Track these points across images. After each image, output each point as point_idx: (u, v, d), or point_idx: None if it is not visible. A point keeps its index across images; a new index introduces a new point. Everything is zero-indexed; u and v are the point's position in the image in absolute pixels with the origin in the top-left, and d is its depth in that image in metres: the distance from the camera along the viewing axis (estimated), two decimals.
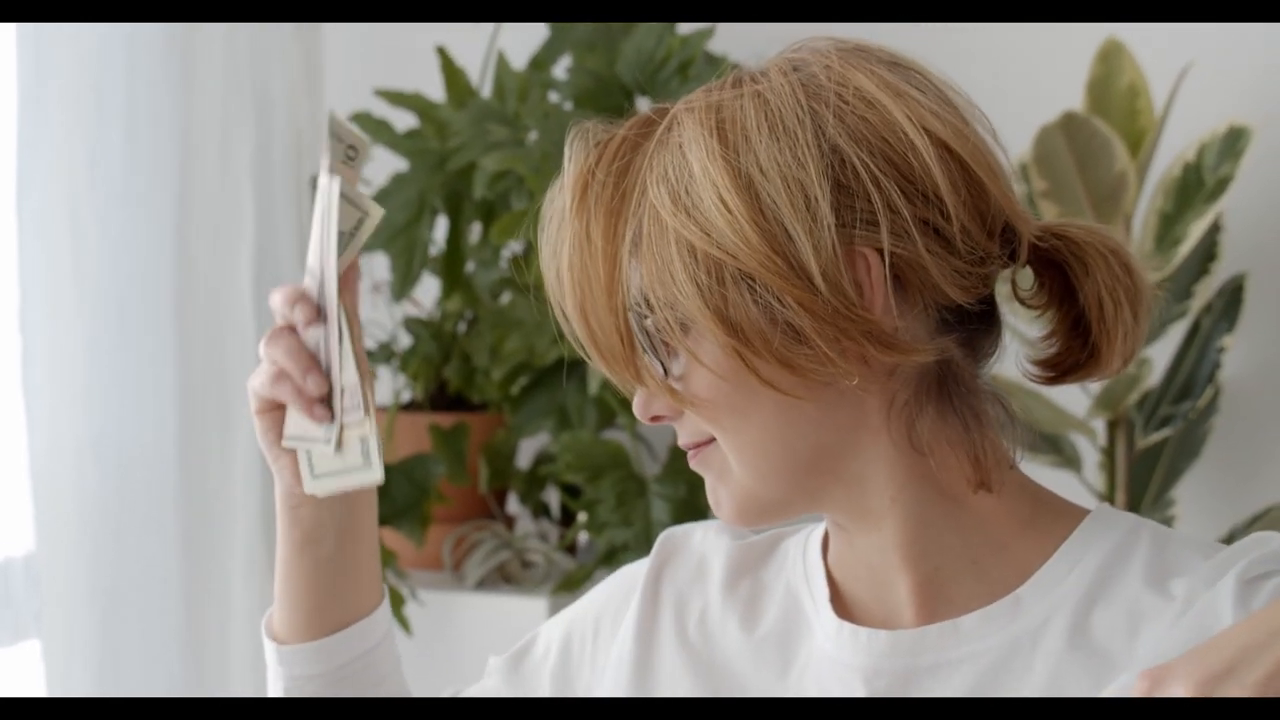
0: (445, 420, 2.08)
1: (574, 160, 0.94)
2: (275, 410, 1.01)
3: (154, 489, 1.90)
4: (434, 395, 2.14)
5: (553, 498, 2.19)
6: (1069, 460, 1.93)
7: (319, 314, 0.98)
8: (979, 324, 0.95)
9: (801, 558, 1.03)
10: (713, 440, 0.95)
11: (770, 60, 0.96)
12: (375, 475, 0.98)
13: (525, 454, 2.20)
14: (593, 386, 1.98)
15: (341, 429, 0.99)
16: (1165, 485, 1.94)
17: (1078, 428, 1.90)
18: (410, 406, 2.12)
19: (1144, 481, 1.94)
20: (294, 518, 1.04)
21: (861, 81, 0.92)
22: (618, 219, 0.92)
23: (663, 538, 1.07)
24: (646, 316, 0.92)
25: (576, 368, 2.04)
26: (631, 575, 1.08)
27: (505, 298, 2.09)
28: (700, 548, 1.06)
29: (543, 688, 1.08)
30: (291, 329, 0.98)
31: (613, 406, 2.02)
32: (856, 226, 0.90)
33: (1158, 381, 1.94)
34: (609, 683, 1.05)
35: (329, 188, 0.96)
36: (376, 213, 0.98)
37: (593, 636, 1.07)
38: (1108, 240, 0.95)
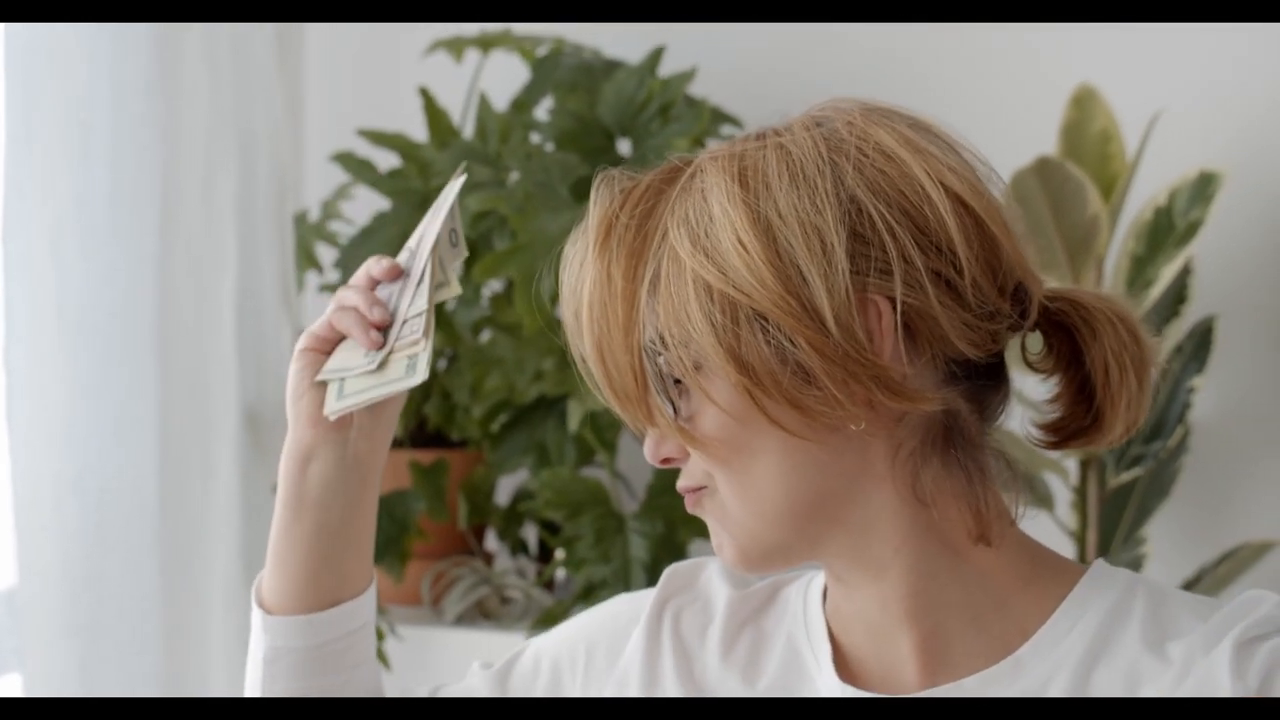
0: (425, 457, 2.09)
1: (599, 204, 0.96)
2: (319, 352, 1.03)
3: (134, 525, 1.91)
4: (414, 432, 2.15)
5: (531, 534, 2.20)
6: (1041, 499, 1.95)
7: (399, 275, 1.02)
8: (986, 379, 0.97)
9: (803, 608, 1.03)
10: (707, 486, 0.97)
11: (795, 117, 0.98)
12: (419, 379, 0.99)
13: (504, 491, 2.21)
14: (572, 424, 1.99)
15: (390, 353, 1.01)
16: (1136, 524, 1.96)
17: (1050, 467, 1.92)
18: (390, 443, 2.13)
19: (1115, 520, 1.96)
20: (302, 476, 1.04)
21: (882, 137, 0.94)
22: (638, 261, 0.94)
23: (669, 573, 1.08)
24: (660, 354, 0.94)
25: (556, 406, 2.06)
26: (633, 605, 1.08)
27: (485, 336, 2.11)
28: (706, 589, 1.07)
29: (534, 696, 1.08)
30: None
31: (592, 445, 2.03)
32: (870, 274, 0.92)
33: None
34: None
35: (452, 188, 1.02)
36: (464, 253, 1.06)
37: (585, 662, 1.07)
38: (1117, 307, 0.97)
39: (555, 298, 1.91)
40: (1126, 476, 1.95)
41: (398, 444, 2.14)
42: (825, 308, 0.91)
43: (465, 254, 1.06)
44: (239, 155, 2.03)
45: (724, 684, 1.02)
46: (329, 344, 1.04)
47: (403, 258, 1.04)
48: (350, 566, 1.07)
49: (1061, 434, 0.99)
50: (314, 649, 1.06)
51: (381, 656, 1.98)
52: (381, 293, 1.03)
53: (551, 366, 2.02)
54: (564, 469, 2.01)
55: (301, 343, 1.04)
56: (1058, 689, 0.94)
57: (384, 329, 1.01)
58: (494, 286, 2.10)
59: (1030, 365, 0.99)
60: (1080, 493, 1.95)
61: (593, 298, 0.95)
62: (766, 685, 1.01)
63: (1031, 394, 1.04)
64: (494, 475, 2.09)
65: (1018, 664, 0.96)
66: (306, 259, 2.15)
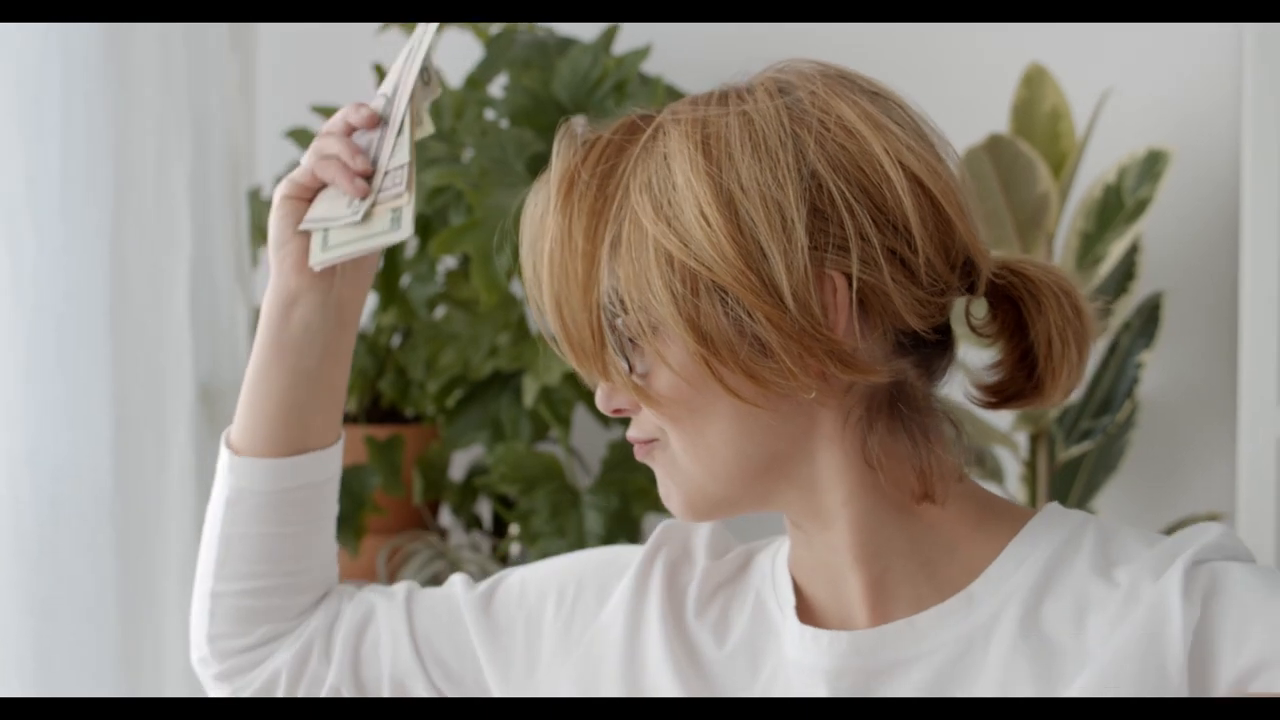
0: (380, 433, 2.10)
1: (560, 158, 0.97)
2: (300, 200, 1.05)
3: (89, 501, 1.91)
4: (369, 408, 2.15)
5: (485, 510, 2.21)
6: (991, 473, 1.97)
7: (378, 123, 1.03)
8: (934, 348, 0.99)
9: (771, 568, 1.06)
10: (659, 439, 0.99)
11: (756, 78, 0.99)
12: (404, 234, 1.01)
13: (458, 466, 2.22)
14: (527, 400, 2.00)
15: (373, 205, 1.02)
16: (1085, 497, 1.99)
17: (1000, 441, 1.94)
18: (345, 419, 2.14)
19: (1064, 494, 1.99)
20: (285, 319, 1.06)
21: (844, 111, 0.95)
22: (599, 220, 0.95)
23: (664, 526, 1.10)
24: (618, 316, 0.95)
25: (511, 381, 2.06)
26: (627, 553, 1.10)
27: (440, 312, 2.11)
28: (693, 553, 1.09)
29: (516, 634, 1.10)
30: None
31: (546, 420, 2.04)
32: (828, 250, 0.94)
33: (1078, 396, 1.99)
34: (586, 662, 1.06)
35: (427, 31, 1.02)
36: (437, 92, 1.05)
37: (574, 598, 1.09)
38: (1061, 281, 0.99)
39: (511, 273, 1.92)
40: (1076, 450, 1.97)
41: (352, 420, 2.14)
42: (784, 284, 0.92)
43: (438, 92, 1.06)
44: (192, 132, 2.02)
45: (698, 637, 1.04)
46: (310, 192, 1.06)
47: (378, 104, 1.04)
48: (321, 414, 1.09)
49: (1001, 396, 1.02)
50: (276, 494, 1.08)
51: None
52: (360, 140, 1.03)
53: (506, 342, 2.03)
54: (519, 444, 2.02)
55: (283, 189, 1.05)
56: (1009, 621, 0.97)
57: (367, 178, 1.02)
58: (449, 263, 2.10)
59: (974, 330, 1.01)
60: (1030, 466, 1.97)
61: (553, 254, 0.96)
62: (736, 639, 1.04)
63: (976, 358, 1.06)
64: (449, 450, 2.09)
65: (969, 599, 0.98)
66: (260, 235, 2.15)
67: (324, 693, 1.12)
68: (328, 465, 1.10)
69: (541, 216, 0.97)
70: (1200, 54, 2.04)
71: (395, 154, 1.02)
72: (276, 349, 1.07)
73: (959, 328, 1.02)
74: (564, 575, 1.11)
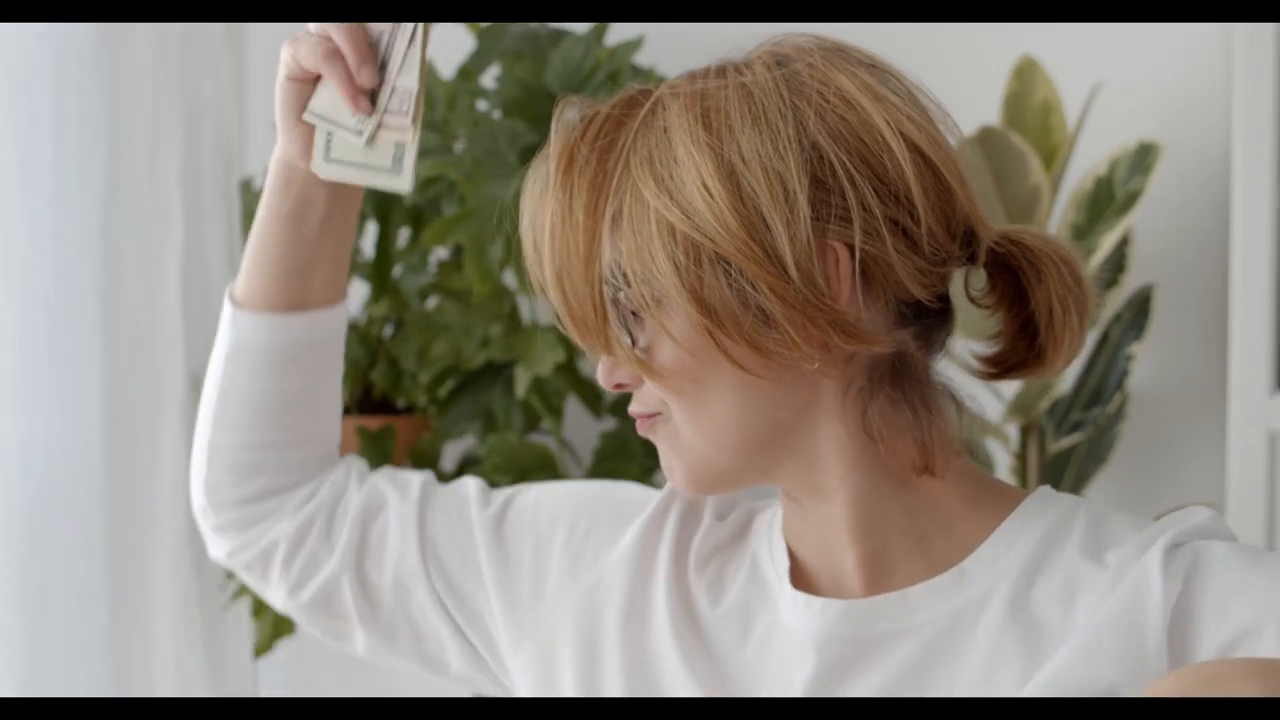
0: (372, 423, 2.10)
1: (559, 134, 0.98)
2: (306, 82, 1.05)
3: (80, 491, 1.91)
4: (360, 398, 2.16)
5: None
6: (982, 465, 1.98)
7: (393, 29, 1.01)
8: (934, 318, 1.00)
9: (768, 532, 1.06)
10: (661, 413, 0.99)
11: (753, 52, 0.99)
12: (404, 183, 1.01)
13: (449, 457, 2.22)
14: (519, 390, 2.01)
15: (379, 126, 1.01)
16: (1075, 489, 2.00)
17: (991, 433, 1.95)
18: None
19: (1054, 485, 1.99)
20: (286, 189, 1.08)
21: (843, 82, 0.96)
22: (599, 195, 0.96)
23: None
24: (621, 289, 0.96)
25: (503, 372, 2.07)
26: (639, 498, 1.10)
27: (432, 302, 2.11)
28: (700, 508, 1.09)
29: (523, 556, 1.09)
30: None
31: (538, 411, 2.05)
32: (830, 221, 0.94)
33: (1069, 388, 1.99)
34: (591, 596, 1.06)
35: None
36: None
37: (586, 532, 1.09)
38: (1060, 250, 1.00)
39: (504, 263, 1.93)
40: (1066, 442, 1.98)
41: (345, 410, 2.15)
42: (787, 255, 0.93)
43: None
44: (184, 122, 2.02)
45: (695, 592, 1.05)
46: (313, 76, 1.05)
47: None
48: (321, 274, 1.09)
49: (1002, 366, 1.02)
50: (274, 350, 1.09)
51: None
52: (372, 33, 1.02)
53: (499, 333, 2.03)
54: (511, 434, 2.03)
55: (286, 70, 1.05)
56: (999, 600, 0.98)
57: (373, 92, 1.02)
58: (441, 253, 2.11)
59: (973, 301, 1.02)
60: (1021, 458, 1.98)
61: (554, 229, 0.96)
62: (730, 600, 1.04)
63: (980, 328, 1.06)
64: (440, 441, 2.10)
65: (961, 575, 0.99)
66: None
67: (321, 579, 1.11)
68: (328, 325, 1.11)
69: (541, 193, 0.98)
70: (1191, 47, 2.05)
71: (405, 69, 1.00)
72: (276, 214, 1.08)
73: (958, 301, 1.02)
74: (579, 505, 1.11)
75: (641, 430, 1.01)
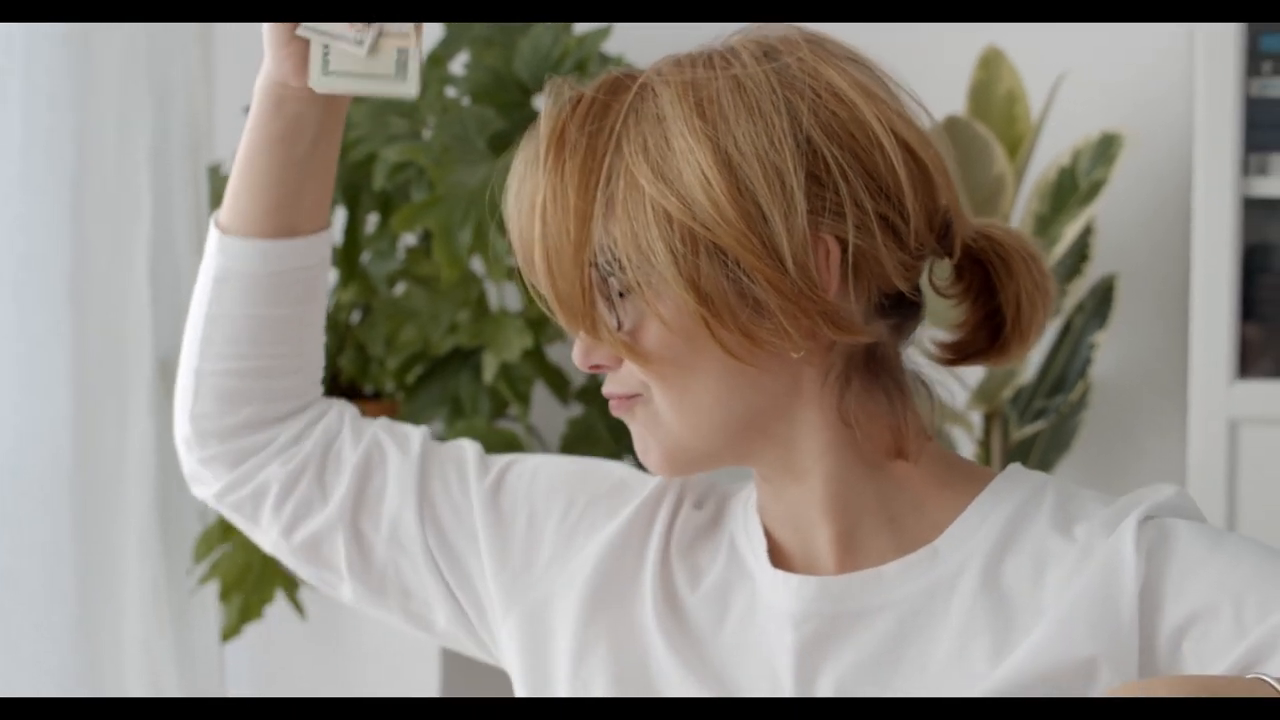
0: None
1: (547, 115, 0.98)
2: None
3: (48, 474, 1.91)
4: (328, 384, 2.16)
5: None
6: (948, 447, 1.99)
7: None
8: (909, 309, 1.01)
9: (744, 513, 1.07)
10: (640, 395, 1.00)
11: (735, 40, 0.99)
12: (411, 89, 0.98)
13: None
14: (487, 376, 2.01)
15: (380, 34, 0.98)
16: None
17: (955, 420, 1.97)
18: None
19: None
20: (277, 110, 1.05)
21: (833, 78, 0.97)
22: (591, 178, 0.96)
23: None
24: (612, 274, 0.96)
25: (471, 358, 2.08)
26: (634, 483, 1.10)
27: (400, 288, 2.12)
28: (685, 495, 1.09)
29: (517, 526, 1.09)
30: None
31: (506, 397, 2.05)
32: (824, 215, 0.95)
33: (1032, 377, 2.01)
34: (580, 572, 1.06)
35: None
36: None
37: (580, 512, 1.09)
38: (1028, 245, 1.02)
39: (472, 250, 1.93)
40: (1029, 430, 1.99)
41: None
42: (784, 246, 0.94)
43: None
44: (153, 105, 2.02)
45: (678, 577, 1.06)
46: None
47: None
48: (312, 197, 1.08)
49: (962, 353, 1.04)
50: (265, 275, 1.07)
51: (297, 604, 2.00)
52: None
53: (466, 319, 2.04)
54: (479, 420, 2.03)
55: None
56: (971, 575, 0.99)
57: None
58: (409, 239, 2.11)
59: (938, 292, 1.03)
60: (984, 445, 2.00)
61: (544, 211, 0.97)
62: (709, 583, 1.05)
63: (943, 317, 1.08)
64: None
65: (934, 553, 1.00)
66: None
67: (314, 527, 1.10)
68: (316, 250, 1.09)
69: (531, 173, 0.98)
70: (1153, 39, 2.07)
71: None
72: (266, 138, 1.06)
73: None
74: (577, 481, 1.11)
75: (617, 411, 1.01)
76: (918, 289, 1.01)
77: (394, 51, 0.98)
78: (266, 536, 1.12)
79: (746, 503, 1.08)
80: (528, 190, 0.98)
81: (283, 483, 1.10)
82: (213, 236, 1.09)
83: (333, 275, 2.14)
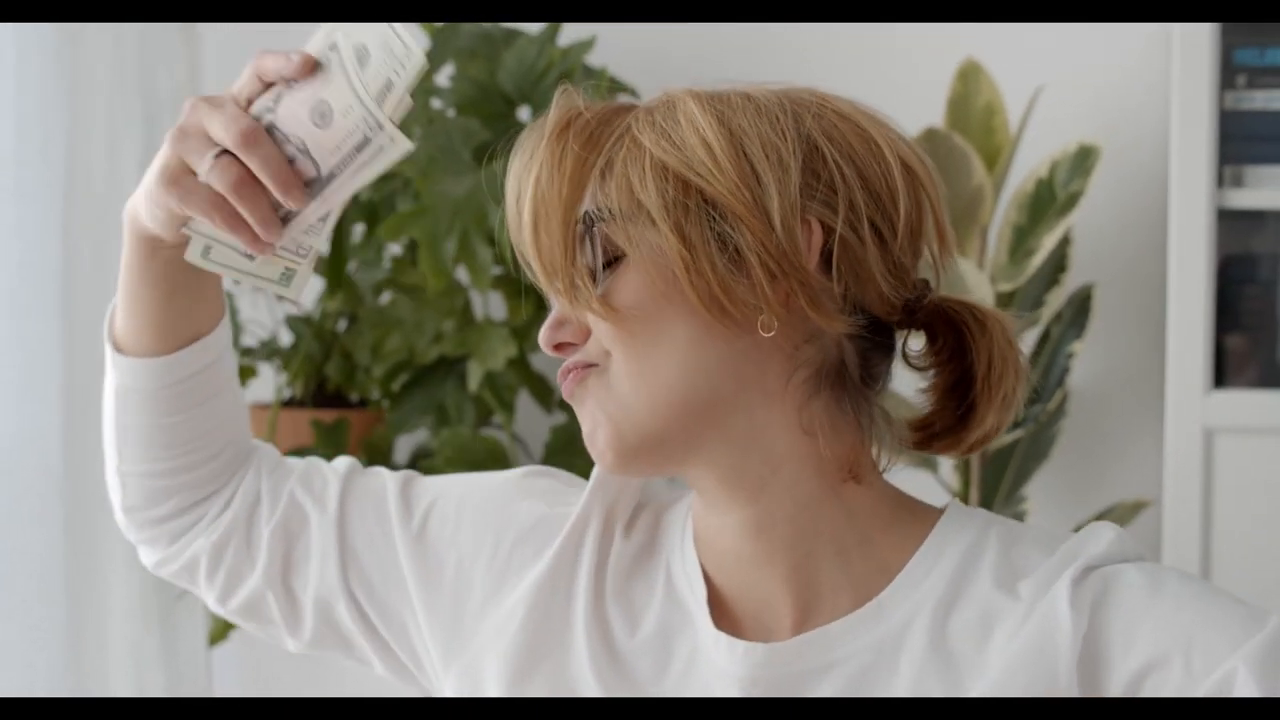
0: (326, 416, 2.12)
1: (558, 107, 0.99)
2: (186, 190, 0.95)
3: (39, 478, 1.92)
4: (314, 393, 2.18)
5: None
6: (926, 461, 2.01)
7: (315, 67, 0.92)
8: (877, 343, 1.00)
9: (680, 539, 1.05)
10: (598, 364, 0.98)
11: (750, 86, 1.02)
12: (293, 294, 0.95)
13: (402, 450, 2.25)
14: (472, 385, 2.03)
15: (273, 253, 0.94)
16: (1016, 484, 2.04)
17: None
18: (291, 403, 2.16)
19: (996, 480, 2.03)
20: (151, 258, 1.01)
21: (842, 105, 1.00)
22: (592, 149, 0.97)
23: (590, 491, 1.07)
24: (596, 223, 0.96)
25: (456, 366, 2.09)
26: (558, 513, 1.07)
27: (386, 297, 2.14)
28: (614, 521, 1.07)
29: (445, 573, 1.07)
30: (268, 137, 0.93)
31: (490, 405, 2.07)
32: (814, 201, 0.97)
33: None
34: (511, 619, 1.04)
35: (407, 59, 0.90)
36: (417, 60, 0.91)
37: (506, 556, 1.06)
38: (1004, 317, 1.02)
39: (458, 259, 1.95)
40: (1008, 438, 2.01)
41: (298, 404, 2.17)
42: (774, 208, 0.95)
43: (406, 98, 0.92)
44: (143, 115, 2.04)
45: (614, 622, 1.04)
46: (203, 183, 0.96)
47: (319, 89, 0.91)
48: (204, 304, 1.04)
49: (927, 431, 1.02)
50: (164, 389, 1.05)
51: None
52: (286, 113, 0.92)
53: (452, 328, 2.06)
54: (463, 428, 2.05)
55: (170, 171, 0.94)
56: (918, 631, 0.98)
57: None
58: (395, 249, 2.13)
59: (908, 361, 1.03)
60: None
61: (539, 177, 0.97)
62: (649, 629, 1.03)
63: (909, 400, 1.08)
64: (393, 434, 2.12)
65: (879, 608, 0.99)
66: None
67: (246, 592, 1.10)
68: (213, 348, 1.06)
69: (532, 156, 0.98)
70: (1130, 52, 2.09)
71: (311, 232, 0.92)
72: (145, 278, 1.02)
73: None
74: (501, 520, 1.08)
75: (569, 388, 0.99)
76: (890, 335, 1.01)
77: (283, 266, 0.95)
78: (208, 599, 1.12)
79: (684, 528, 1.05)
80: (528, 162, 0.98)
81: (210, 555, 1.10)
82: (108, 351, 1.06)
83: (319, 284, 2.16)
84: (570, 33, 2.14)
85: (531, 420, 2.21)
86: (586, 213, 0.97)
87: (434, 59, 2.12)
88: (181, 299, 1.04)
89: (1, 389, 1.88)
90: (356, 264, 2.12)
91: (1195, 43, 1.91)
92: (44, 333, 1.92)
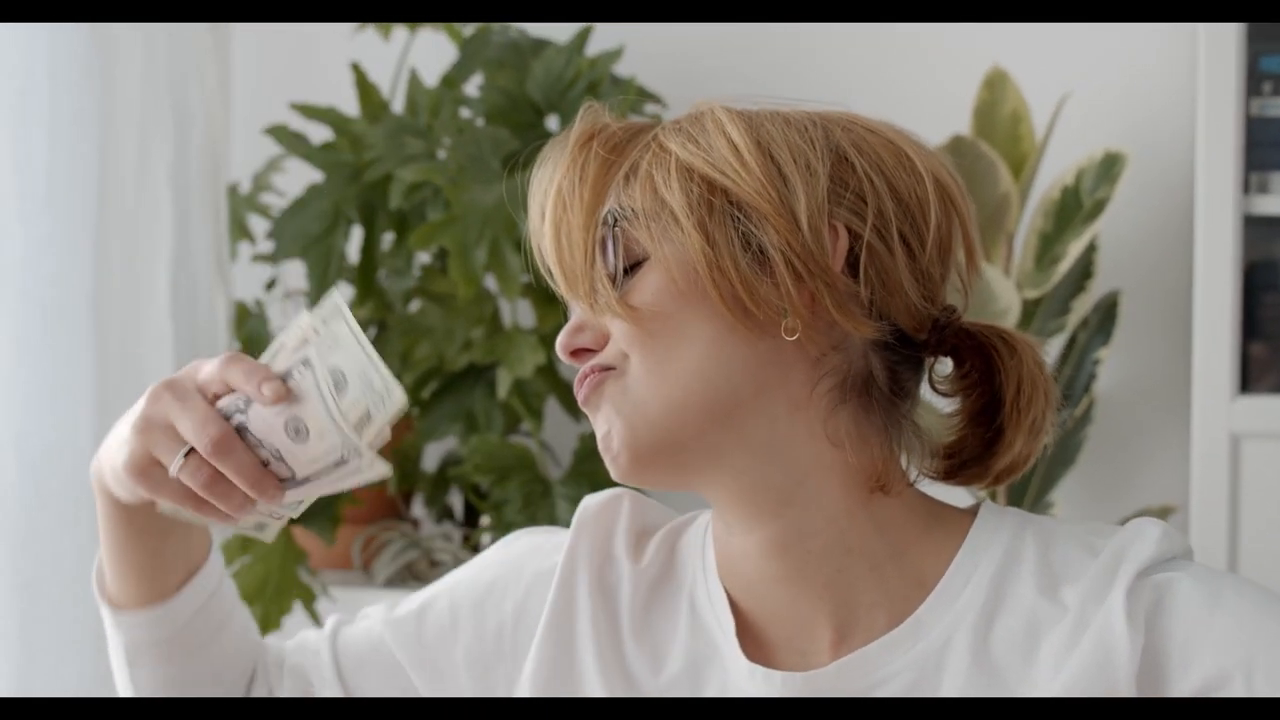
0: None
1: (584, 119, 0.98)
2: (160, 469, 0.93)
3: (72, 488, 1.94)
4: None
5: (456, 501, 2.25)
6: None
7: (287, 395, 0.90)
8: (905, 358, 0.98)
9: (701, 562, 1.02)
10: (616, 367, 0.96)
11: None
12: (267, 538, 0.95)
13: (431, 457, 2.26)
14: (501, 392, 2.04)
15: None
16: (1043, 490, 2.04)
17: None
18: None
19: (1023, 486, 2.04)
20: (129, 520, 1.00)
21: (873, 123, 0.99)
22: (619, 155, 0.97)
23: (574, 529, 1.05)
24: (619, 223, 0.95)
25: (485, 374, 2.11)
26: (543, 580, 1.05)
27: (416, 305, 2.15)
28: (615, 550, 1.04)
29: (456, 666, 1.06)
30: (240, 442, 0.91)
31: (519, 413, 2.09)
32: (842, 207, 0.95)
33: None
34: (530, 681, 1.03)
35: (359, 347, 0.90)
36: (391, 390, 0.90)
37: (513, 626, 1.05)
38: (1031, 340, 1.00)
39: (487, 268, 1.97)
40: None
41: None
42: (801, 209, 0.94)
43: (398, 398, 0.90)
44: (174, 126, 2.05)
45: (634, 666, 1.01)
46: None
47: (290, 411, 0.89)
48: (188, 546, 1.02)
49: (954, 460, 1.00)
50: (175, 635, 1.03)
51: (314, 615, 2.03)
52: (260, 420, 0.90)
53: (481, 336, 2.07)
54: (492, 435, 2.06)
55: (138, 468, 0.93)
56: (960, 646, 0.95)
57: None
58: (424, 257, 2.14)
59: (934, 387, 1.01)
60: None
61: (562, 184, 0.96)
62: (676, 667, 1.00)
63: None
64: (423, 442, 2.13)
65: (918, 624, 0.96)
66: (239, 229, 2.19)
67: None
68: (211, 577, 1.04)
69: (555, 166, 0.98)
70: (1155, 58, 2.10)
71: (310, 481, 0.92)
72: (126, 534, 1.00)
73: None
74: (502, 602, 1.05)
75: (587, 392, 0.96)
76: (919, 351, 0.98)
77: (254, 521, 0.94)
78: None
79: (704, 553, 1.02)
80: (550, 173, 0.98)
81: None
82: (105, 614, 1.03)
83: (349, 291, 2.18)
84: (598, 42, 2.15)
85: (560, 427, 2.22)
86: (609, 212, 0.96)
87: (462, 69, 2.14)
88: (176, 541, 1.01)
89: (34, 398, 1.90)
90: (386, 272, 2.13)
91: (1220, 50, 1.92)
92: (75, 342, 1.93)
